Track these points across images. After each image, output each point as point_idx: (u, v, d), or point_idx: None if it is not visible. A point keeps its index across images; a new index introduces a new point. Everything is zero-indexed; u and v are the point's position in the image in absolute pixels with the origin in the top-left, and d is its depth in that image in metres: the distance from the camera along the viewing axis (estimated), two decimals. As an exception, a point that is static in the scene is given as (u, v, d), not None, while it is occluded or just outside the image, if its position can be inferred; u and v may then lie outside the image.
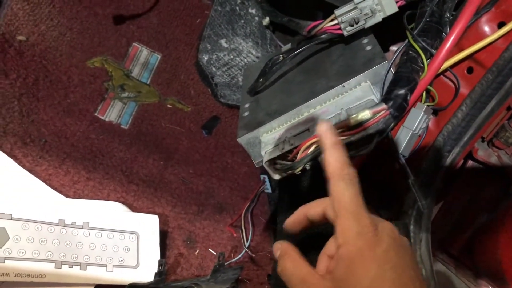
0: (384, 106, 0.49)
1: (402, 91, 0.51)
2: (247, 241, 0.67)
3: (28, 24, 0.70)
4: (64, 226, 0.52)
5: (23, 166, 0.60)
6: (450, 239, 0.79)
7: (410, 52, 0.54)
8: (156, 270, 0.56)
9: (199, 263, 0.66)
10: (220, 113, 0.87)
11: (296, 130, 0.56)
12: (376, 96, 0.53)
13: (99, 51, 0.77)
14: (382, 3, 0.55)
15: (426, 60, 0.54)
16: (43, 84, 0.70)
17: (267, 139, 0.58)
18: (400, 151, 0.58)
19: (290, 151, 0.55)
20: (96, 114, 0.74)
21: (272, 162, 0.57)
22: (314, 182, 0.71)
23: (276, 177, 0.58)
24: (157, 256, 0.58)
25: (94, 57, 0.76)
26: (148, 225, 0.60)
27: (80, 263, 0.51)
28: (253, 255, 0.71)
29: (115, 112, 0.76)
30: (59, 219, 0.53)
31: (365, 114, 0.49)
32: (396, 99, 0.50)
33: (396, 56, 0.56)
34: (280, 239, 0.69)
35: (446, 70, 0.57)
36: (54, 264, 0.49)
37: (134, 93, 0.79)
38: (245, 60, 0.80)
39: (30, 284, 0.48)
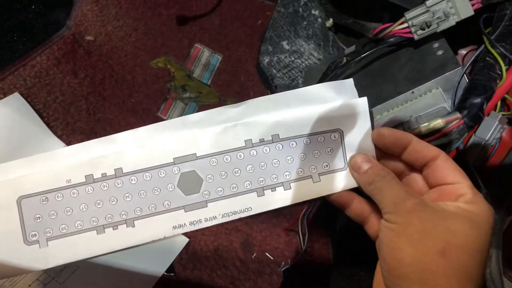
0: (458, 115, 0.47)
1: (478, 100, 0.48)
2: (304, 245, 0.66)
3: (96, 25, 0.73)
4: (252, 147, 0.45)
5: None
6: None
7: (487, 58, 0.51)
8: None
9: (256, 267, 0.66)
10: (278, 115, 0.86)
11: (361, 136, 0.54)
12: (448, 104, 0.51)
13: (162, 52, 0.78)
14: (457, 6, 0.52)
15: (505, 67, 0.51)
16: (109, 84, 0.72)
17: (329, 144, 0.57)
18: (471, 162, 0.55)
19: (354, 158, 0.54)
20: (158, 114, 0.75)
21: (335, 168, 0.55)
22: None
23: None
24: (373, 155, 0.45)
25: (158, 57, 0.77)
26: (355, 110, 0.47)
27: (282, 182, 0.45)
28: (309, 258, 0.70)
29: (176, 113, 0.77)
30: (244, 141, 0.45)
31: (438, 123, 0.47)
32: (472, 108, 0.48)
33: (471, 62, 0.54)
34: (340, 247, 0.68)
35: (525, 77, 0.54)
36: (256, 193, 0.45)
37: (195, 94, 0.79)
38: (306, 62, 0.79)
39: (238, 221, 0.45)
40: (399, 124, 0.53)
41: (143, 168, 0.44)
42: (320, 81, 0.64)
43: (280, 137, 0.45)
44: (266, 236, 0.69)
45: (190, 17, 0.81)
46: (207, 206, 0.43)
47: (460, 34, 0.58)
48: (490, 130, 0.55)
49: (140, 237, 0.43)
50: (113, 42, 0.74)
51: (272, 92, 0.83)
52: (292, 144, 0.45)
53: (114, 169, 0.44)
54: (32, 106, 0.61)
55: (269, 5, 0.85)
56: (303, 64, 0.79)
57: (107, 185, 0.44)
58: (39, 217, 0.42)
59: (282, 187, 0.44)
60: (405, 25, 0.55)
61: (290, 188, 0.44)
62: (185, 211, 0.43)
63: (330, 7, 0.79)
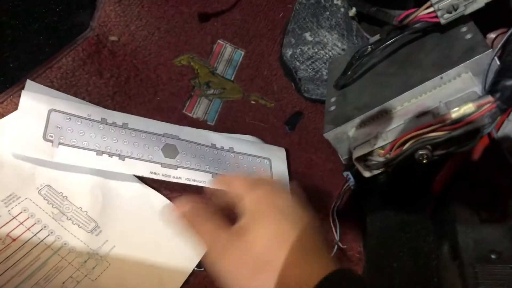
0: (490, 98, 0.45)
1: (511, 82, 0.46)
2: (337, 236, 0.65)
3: (120, 25, 0.73)
4: (215, 148, 0.70)
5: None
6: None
7: (519, 39, 0.50)
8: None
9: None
10: (303, 108, 0.85)
11: (389, 125, 0.53)
12: (479, 88, 0.49)
13: (185, 49, 0.78)
14: (485, -14, 0.50)
15: (538, 47, 0.49)
16: (133, 83, 0.72)
17: (356, 134, 0.56)
18: (506, 149, 0.53)
19: (382, 147, 0.53)
20: (184, 111, 0.76)
21: (362, 158, 0.55)
22: (407, 181, 0.68)
23: (367, 174, 0.55)
24: (286, 178, 0.75)
25: (181, 55, 0.78)
26: (277, 154, 0.77)
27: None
28: (344, 247, 0.69)
29: (201, 109, 0.77)
30: (211, 143, 0.70)
31: (469, 108, 0.45)
32: (504, 90, 0.46)
33: (502, 44, 0.52)
34: (371, 240, 0.67)
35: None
36: (211, 174, 0.66)
37: (219, 90, 0.79)
38: (330, 53, 0.78)
39: (193, 188, 0.64)
40: (428, 112, 0.51)
41: (142, 130, 0.65)
42: (345, 71, 0.63)
43: (233, 150, 0.72)
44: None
45: (212, 13, 0.80)
46: (176, 169, 0.64)
47: (489, 16, 0.56)
48: (524, 114, 0.53)
49: (126, 169, 0.61)
50: (137, 42, 0.75)
51: (296, 84, 0.83)
52: (240, 157, 0.72)
53: (122, 122, 0.64)
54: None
55: (291, -4, 0.84)
56: (327, 55, 0.78)
57: (114, 129, 0.63)
58: (59, 127, 0.58)
59: None
60: (431, 9, 0.54)
61: None
62: (161, 166, 0.63)
63: (352, -4, 0.78)
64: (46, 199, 0.56)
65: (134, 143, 0.63)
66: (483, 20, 0.54)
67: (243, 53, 0.83)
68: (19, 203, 0.55)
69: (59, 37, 0.65)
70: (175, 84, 0.76)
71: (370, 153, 0.54)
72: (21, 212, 0.54)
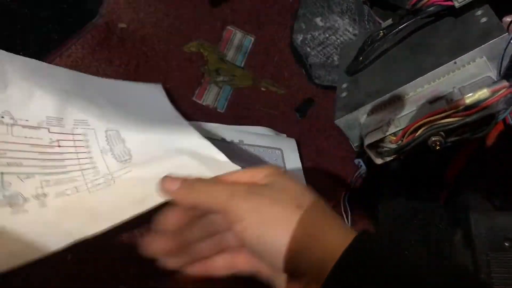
0: (506, 83, 0.44)
1: (527, 66, 0.45)
2: (348, 223, 0.65)
3: (129, 12, 0.73)
4: (225, 142, 0.69)
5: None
6: None
7: (536, 21, 0.48)
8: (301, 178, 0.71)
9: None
10: (313, 95, 0.84)
11: (401, 111, 0.52)
12: (494, 73, 0.48)
13: (195, 36, 0.78)
14: (501, -33, 0.49)
15: (556, 30, 0.47)
16: (143, 70, 0.72)
17: (368, 121, 0.55)
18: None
19: (394, 134, 0.52)
20: (193, 98, 0.75)
21: (374, 145, 0.54)
22: (420, 168, 0.67)
23: (378, 161, 0.55)
24: (299, 167, 0.74)
25: (190, 42, 0.77)
26: (288, 144, 0.76)
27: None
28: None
29: (211, 96, 0.76)
30: (221, 138, 0.70)
31: (483, 93, 0.44)
32: (521, 75, 0.45)
33: (518, 27, 0.50)
34: (382, 227, 0.67)
35: None
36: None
37: (229, 77, 0.79)
38: (341, 38, 0.76)
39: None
40: (441, 97, 0.50)
41: None
42: (357, 56, 0.62)
43: (244, 143, 0.71)
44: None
45: (221, -1, 0.80)
46: None
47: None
48: (541, 99, 0.51)
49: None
50: (146, 29, 0.74)
51: (307, 70, 0.82)
52: (251, 149, 0.71)
53: None
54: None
55: (301, -18, 0.82)
56: (338, 40, 0.77)
57: None
58: None
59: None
60: (445, -8, 0.52)
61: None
62: None
63: (364, -20, 0.76)
64: (107, 137, 0.56)
65: None
66: (498, 3, 0.53)
67: (253, 39, 0.82)
68: (84, 128, 0.56)
69: (68, 24, 0.65)
70: (184, 71, 0.76)
71: (382, 140, 0.53)
72: (80, 134, 0.55)
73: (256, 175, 0.38)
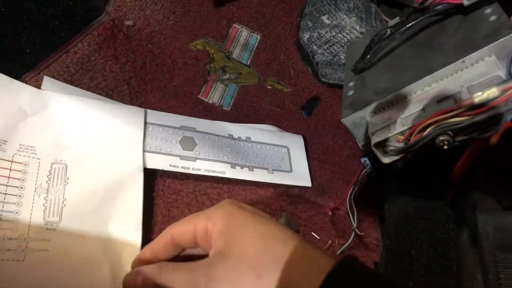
0: (515, 82, 0.44)
1: (537, 65, 0.45)
2: (354, 223, 0.65)
3: (135, 9, 0.73)
4: (233, 139, 0.70)
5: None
6: None
7: (546, 20, 0.48)
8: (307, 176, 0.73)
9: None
10: (320, 93, 0.84)
11: (409, 110, 0.52)
12: (503, 72, 0.48)
13: (201, 34, 0.78)
14: (512, -36, 0.48)
15: None
16: (149, 68, 0.72)
17: (375, 119, 0.55)
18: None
19: (401, 133, 0.52)
20: (199, 96, 0.75)
21: (381, 144, 0.54)
22: (427, 167, 0.67)
23: (385, 160, 0.54)
24: (305, 165, 0.74)
25: (197, 39, 0.77)
26: (295, 142, 0.76)
27: (248, 165, 0.67)
28: (361, 234, 0.69)
29: (217, 94, 0.76)
30: (228, 134, 0.70)
31: (492, 92, 0.44)
32: (531, 74, 0.44)
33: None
34: (389, 226, 0.67)
35: None
36: (230, 165, 0.65)
37: (234, 75, 0.79)
38: (348, 36, 0.76)
39: (215, 179, 0.64)
40: (449, 96, 0.50)
41: (159, 123, 0.64)
42: (364, 54, 0.61)
43: (251, 140, 0.71)
44: (311, 215, 0.69)
45: (227, -4, 0.80)
46: (195, 161, 0.63)
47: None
48: (550, 99, 0.51)
49: (147, 162, 0.58)
50: (152, 26, 0.74)
51: (313, 68, 0.81)
52: (258, 146, 0.71)
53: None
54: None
55: (308, -21, 0.82)
56: (345, 38, 0.76)
57: None
58: None
59: (247, 168, 0.67)
60: (454, -11, 0.52)
61: (253, 171, 0.67)
62: (180, 159, 0.62)
63: (371, -22, 0.76)
64: (51, 172, 0.51)
65: (152, 137, 0.62)
66: (508, 0, 0.52)
67: (259, 37, 0.82)
68: (29, 156, 0.50)
69: (75, 21, 0.65)
70: (190, 69, 0.76)
71: (389, 139, 0.53)
72: (21, 163, 0.49)
73: (209, 232, 0.39)
